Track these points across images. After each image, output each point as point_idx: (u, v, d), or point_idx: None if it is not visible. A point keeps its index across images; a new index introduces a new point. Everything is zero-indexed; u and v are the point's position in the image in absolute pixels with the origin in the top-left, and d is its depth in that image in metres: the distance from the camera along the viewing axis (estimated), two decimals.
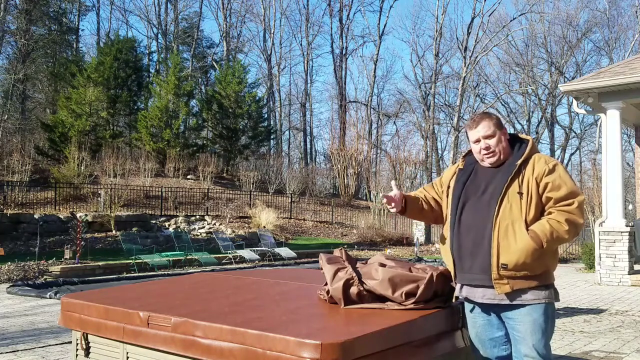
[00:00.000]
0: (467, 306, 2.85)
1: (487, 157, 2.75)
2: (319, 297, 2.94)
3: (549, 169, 2.64)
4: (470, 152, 2.91)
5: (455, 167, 2.93)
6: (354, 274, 2.77)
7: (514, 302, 2.64)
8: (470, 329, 2.85)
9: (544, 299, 2.64)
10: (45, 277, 11.47)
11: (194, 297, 3.16)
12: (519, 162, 2.68)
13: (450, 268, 2.79)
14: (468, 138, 2.83)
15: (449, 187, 2.88)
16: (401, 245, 21.71)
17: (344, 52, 42.12)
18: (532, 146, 2.75)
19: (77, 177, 20.75)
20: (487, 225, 2.64)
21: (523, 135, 2.86)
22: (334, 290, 2.76)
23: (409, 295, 2.70)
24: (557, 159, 38.49)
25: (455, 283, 2.80)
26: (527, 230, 2.58)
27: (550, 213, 2.63)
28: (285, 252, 16.59)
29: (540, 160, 2.68)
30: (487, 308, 2.76)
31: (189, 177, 26.44)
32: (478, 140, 2.75)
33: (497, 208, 2.62)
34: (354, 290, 2.73)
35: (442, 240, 2.87)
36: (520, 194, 2.62)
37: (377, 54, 41.83)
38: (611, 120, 10.70)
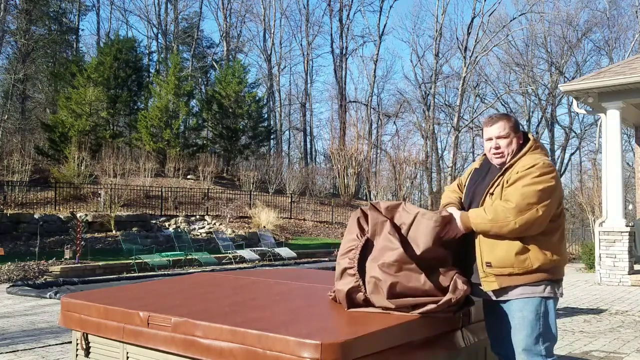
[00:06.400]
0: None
1: (496, 157, 2.78)
2: (319, 297, 2.94)
3: (516, 178, 2.61)
4: None
5: (472, 167, 2.99)
6: (360, 282, 2.61)
7: (500, 298, 2.68)
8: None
9: (533, 294, 2.63)
10: (45, 277, 11.47)
11: (194, 297, 3.16)
12: (507, 165, 2.71)
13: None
14: (483, 135, 2.87)
15: (465, 186, 2.96)
16: None
17: (344, 52, 42.12)
18: (528, 148, 2.73)
19: (77, 177, 20.75)
20: None
21: (530, 135, 2.83)
22: (338, 293, 2.71)
23: (416, 307, 2.54)
24: (557, 159, 38.49)
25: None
26: None
27: None
28: (285, 252, 16.59)
29: (518, 165, 2.66)
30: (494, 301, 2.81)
31: (189, 177, 26.44)
32: (490, 139, 2.78)
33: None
34: (360, 296, 2.63)
35: None
36: (491, 194, 2.69)
37: (377, 54, 41.85)
38: (611, 120, 10.70)
